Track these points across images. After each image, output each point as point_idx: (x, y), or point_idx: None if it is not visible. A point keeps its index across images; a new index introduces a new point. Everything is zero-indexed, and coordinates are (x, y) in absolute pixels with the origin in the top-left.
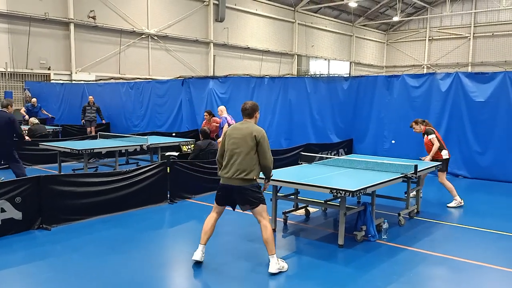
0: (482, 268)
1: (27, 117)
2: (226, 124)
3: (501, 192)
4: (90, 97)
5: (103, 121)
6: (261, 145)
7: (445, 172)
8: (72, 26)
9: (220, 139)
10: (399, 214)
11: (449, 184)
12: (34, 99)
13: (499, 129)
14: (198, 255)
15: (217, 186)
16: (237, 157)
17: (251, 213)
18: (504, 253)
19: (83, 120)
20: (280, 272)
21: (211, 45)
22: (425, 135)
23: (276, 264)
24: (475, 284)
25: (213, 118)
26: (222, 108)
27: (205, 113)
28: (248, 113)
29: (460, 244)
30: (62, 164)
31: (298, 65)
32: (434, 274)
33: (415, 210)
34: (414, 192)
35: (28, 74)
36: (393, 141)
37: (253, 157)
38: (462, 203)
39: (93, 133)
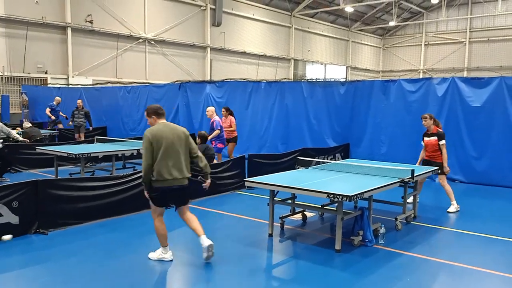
0: (480, 273)
1: (53, 117)
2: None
3: (497, 196)
4: (79, 100)
5: (91, 127)
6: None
7: (445, 175)
8: (69, 30)
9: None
10: (396, 219)
11: (449, 188)
12: (58, 98)
13: (495, 134)
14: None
15: (212, 191)
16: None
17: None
18: (502, 258)
19: (71, 122)
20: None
21: (208, 49)
22: (435, 137)
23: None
24: None
25: (230, 117)
26: (212, 109)
27: (223, 109)
28: (162, 113)
29: (458, 249)
30: (59, 168)
31: (294, 69)
32: (432, 280)
33: (412, 215)
34: (412, 197)
35: (25, 78)
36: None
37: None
38: (459, 208)
39: (82, 139)
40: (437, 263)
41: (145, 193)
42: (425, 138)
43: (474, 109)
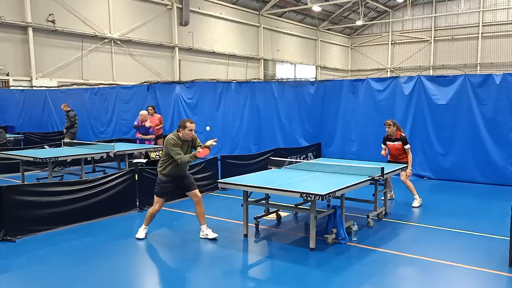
0: (448, 267)
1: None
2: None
3: (463, 192)
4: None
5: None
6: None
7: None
8: (30, 30)
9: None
10: (368, 216)
11: (410, 183)
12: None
13: (460, 131)
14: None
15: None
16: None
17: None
18: (468, 252)
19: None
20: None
21: (176, 49)
22: (400, 142)
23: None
24: (442, 282)
25: (157, 114)
26: (144, 113)
27: (150, 107)
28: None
29: (427, 244)
30: (26, 173)
31: (264, 69)
32: (403, 275)
33: (383, 212)
34: (384, 195)
35: None
36: (207, 128)
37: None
38: (421, 202)
39: None
40: (407, 258)
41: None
42: (389, 143)
43: (440, 107)
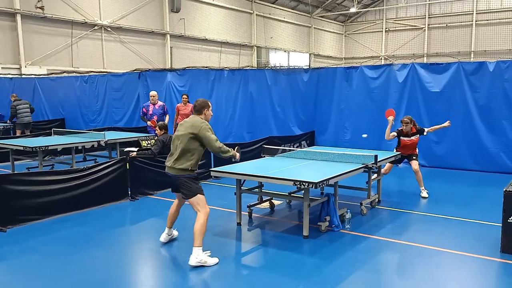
0: (440, 253)
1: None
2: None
3: (456, 179)
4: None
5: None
6: (202, 138)
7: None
8: (18, 17)
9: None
10: (361, 204)
11: (421, 175)
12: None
13: (454, 119)
14: (162, 237)
15: None
16: (177, 148)
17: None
18: (460, 238)
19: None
20: (201, 266)
21: (168, 36)
22: (417, 135)
23: (196, 257)
24: (434, 268)
25: (190, 104)
26: (155, 93)
27: (184, 96)
28: (197, 109)
29: (420, 230)
30: (15, 162)
31: (258, 57)
32: (396, 261)
33: (377, 199)
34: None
35: None
36: (364, 135)
37: (190, 148)
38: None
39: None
40: (400, 244)
41: None
42: (405, 138)
43: (434, 95)
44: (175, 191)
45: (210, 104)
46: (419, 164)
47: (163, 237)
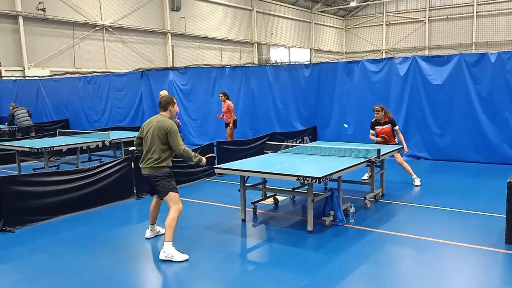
0: (445, 245)
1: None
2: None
3: (459, 172)
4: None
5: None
6: (170, 137)
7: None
8: (20, 19)
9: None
10: (365, 198)
11: (407, 164)
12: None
13: (456, 111)
14: (147, 233)
15: (184, 179)
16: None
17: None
18: (464, 230)
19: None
20: (169, 260)
21: (169, 35)
22: (389, 124)
23: (164, 251)
24: (439, 261)
25: (228, 101)
26: (165, 92)
27: (221, 94)
28: (162, 105)
29: (424, 223)
30: (22, 164)
31: (258, 53)
32: (400, 254)
33: (380, 193)
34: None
35: None
36: (345, 125)
37: (161, 147)
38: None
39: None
40: (405, 238)
41: None
42: (378, 127)
43: (436, 87)
44: (153, 191)
45: (175, 100)
46: (402, 156)
47: (148, 233)
